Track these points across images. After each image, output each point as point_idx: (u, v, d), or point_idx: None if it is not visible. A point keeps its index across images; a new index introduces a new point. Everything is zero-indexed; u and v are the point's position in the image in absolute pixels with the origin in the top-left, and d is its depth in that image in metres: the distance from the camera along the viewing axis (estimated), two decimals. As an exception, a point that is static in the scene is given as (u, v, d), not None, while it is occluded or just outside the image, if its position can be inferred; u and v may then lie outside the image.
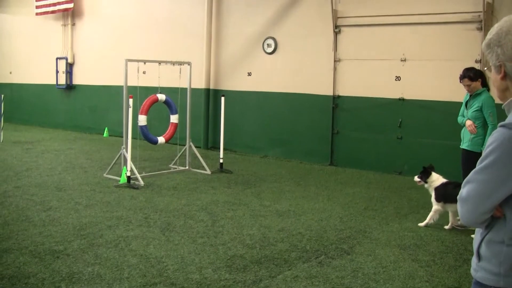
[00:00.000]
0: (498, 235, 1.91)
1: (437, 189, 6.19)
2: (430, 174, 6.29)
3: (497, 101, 6.38)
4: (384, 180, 9.14)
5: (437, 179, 6.25)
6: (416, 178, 6.37)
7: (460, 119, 6.45)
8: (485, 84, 6.26)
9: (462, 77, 6.26)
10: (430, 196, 6.32)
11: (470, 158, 6.24)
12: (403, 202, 7.49)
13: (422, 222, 6.32)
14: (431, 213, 6.26)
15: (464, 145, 6.33)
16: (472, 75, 6.18)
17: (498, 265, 1.90)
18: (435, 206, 6.20)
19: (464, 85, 6.25)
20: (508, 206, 1.88)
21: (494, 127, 5.96)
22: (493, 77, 2.00)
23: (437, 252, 5.39)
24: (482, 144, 6.13)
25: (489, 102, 6.12)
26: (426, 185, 6.33)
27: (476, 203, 1.88)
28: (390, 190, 8.36)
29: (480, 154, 6.43)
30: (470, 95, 6.30)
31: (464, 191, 1.93)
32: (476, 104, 6.16)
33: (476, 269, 1.99)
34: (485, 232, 1.96)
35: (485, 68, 2.06)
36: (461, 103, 6.49)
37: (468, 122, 6.19)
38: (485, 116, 6.10)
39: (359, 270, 4.83)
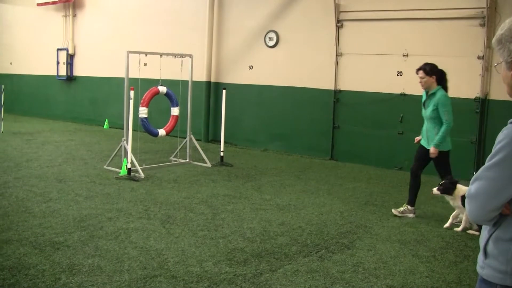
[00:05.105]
0: (506, 232, 1.90)
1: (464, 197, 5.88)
2: (456, 187, 6.00)
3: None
4: (385, 175, 9.13)
5: (460, 188, 5.97)
6: (436, 191, 6.08)
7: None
8: (443, 85, 6.33)
9: (418, 69, 6.36)
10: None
11: (446, 156, 6.35)
12: (403, 198, 7.46)
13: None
14: (464, 217, 5.99)
15: (430, 146, 6.35)
16: (428, 69, 6.28)
17: (505, 263, 1.88)
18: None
19: (419, 77, 6.34)
20: None
21: (449, 125, 6.09)
22: (503, 74, 1.97)
23: (438, 248, 5.39)
24: (450, 141, 6.31)
25: (444, 100, 6.19)
26: (449, 197, 6.05)
27: (485, 200, 1.86)
28: (390, 185, 8.35)
29: (447, 152, 6.42)
30: (427, 95, 6.37)
31: (472, 188, 1.91)
32: (432, 104, 6.26)
33: (483, 267, 1.97)
34: (493, 229, 1.94)
35: (495, 65, 2.00)
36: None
37: (432, 150, 6.24)
38: (440, 114, 6.18)
39: (359, 265, 4.83)
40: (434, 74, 6.27)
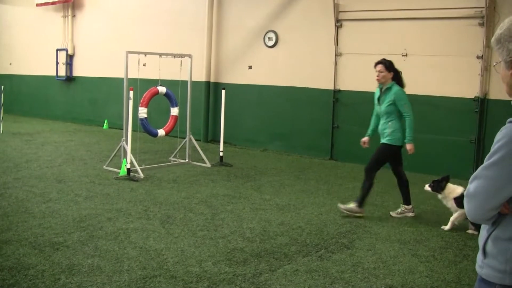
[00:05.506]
0: (505, 232, 1.90)
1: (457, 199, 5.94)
2: (446, 184, 6.05)
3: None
4: (384, 175, 9.09)
5: (454, 189, 6.00)
6: (427, 187, 6.17)
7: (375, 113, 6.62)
8: (398, 82, 6.36)
9: (377, 63, 6.40)
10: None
11: (392, 152, 6.40)
12: (403, 197, 7.47)
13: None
14: (452, 217, 6.00)
15: (384, 140, 6.40)
16: (387, 65, 6.34)
17: (504, 263, 1.88)
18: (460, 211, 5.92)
19: (376, 71, 6.37)
20: None
21: (411, 117, 6.12)
22: (502, 73, 1.97)
23: (437, 248, 5.39)
24: (402, 137, 6.30)
25: (400, 94, 6.26)
26: (440, 196, 6.11)
27: (483, 200, 1.86)
28: (390, 185, 8.31)
29: (400, 147, 6.51)
30: (381, 91, 6.41)
31: (471, 187, 1.91)
32: (388, 98, 6.30)
33: (481, 266, 1.97)
34: (492, 228, 1.94)
35: (494, 64, 2.01)
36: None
37: (408, 146, 6.29)
38: (400, 108, 6.23)
39: (359, 264, 4.83)
40: (392, 70, 6.35)
